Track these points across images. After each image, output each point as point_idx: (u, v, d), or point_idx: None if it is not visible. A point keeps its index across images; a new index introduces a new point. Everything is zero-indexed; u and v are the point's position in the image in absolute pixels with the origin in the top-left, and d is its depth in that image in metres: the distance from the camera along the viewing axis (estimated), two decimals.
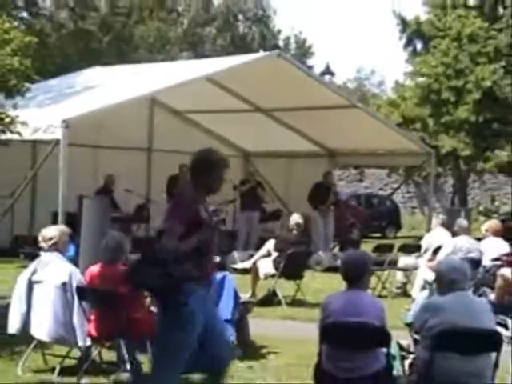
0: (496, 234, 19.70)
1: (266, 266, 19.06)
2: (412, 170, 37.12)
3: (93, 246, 15.59)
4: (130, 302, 11.62)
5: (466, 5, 51.16)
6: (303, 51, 76.77)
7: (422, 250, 19.91)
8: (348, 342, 9.11)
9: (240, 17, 74.87)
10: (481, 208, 46.72)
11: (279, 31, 76.67)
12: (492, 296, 14.94)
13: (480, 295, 12.87)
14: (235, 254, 21.12)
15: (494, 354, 9.52)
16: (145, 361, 11.75)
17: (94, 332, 11.78)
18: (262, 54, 30.52)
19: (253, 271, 19.17)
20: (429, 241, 20.20)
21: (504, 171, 50.52)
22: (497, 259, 17.96)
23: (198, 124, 29.42)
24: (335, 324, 9.15)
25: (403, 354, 10.71)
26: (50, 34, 54.00)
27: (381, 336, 9.20)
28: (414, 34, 53.15)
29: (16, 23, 16.33)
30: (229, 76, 26.35)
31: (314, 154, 29.66)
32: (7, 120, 15.12)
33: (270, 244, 19.33)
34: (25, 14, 50.44)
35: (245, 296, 15.09)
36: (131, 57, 49.87)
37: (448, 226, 20.60)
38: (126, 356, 11.76)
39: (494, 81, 46.68)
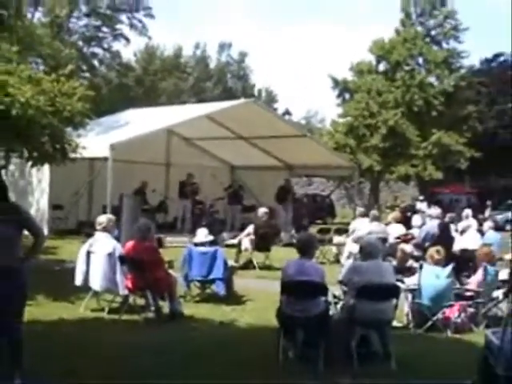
0: (397, 221, 19.87)
1: (246, 243, 19.14)
2: (343, 179, 37.19)
3: (129, 228, 15.63)
4: (153, 266, 11.75)
5: (376, 71, 51.79)
6: (271, 98, 76.76)
7: (349, 232, 20.04)
8: (299, 292, 9.22)
9: (228, 75, 74.93)
10: (387, 204, 46.71)
11: (254, 85, 76.73)
12: (394, 262, 15.00)
13: (387, 261, 12.93)
14: (224, 234, 21.16)
15: (394, 300, 9.68)
16: (164, 305, 11.86)
17: (130, 285, 11.91)
18: (243, 100, 30.65)
19: (237, 246, 19.24)
20: (353, 226, 20.35)
21: (402, 180, 50.91)
22: (398, 238, 18.10)
23: (200, 147, 29.45)
24: (291, 281, 9.27)
25: (336, 300, 10.79)
26: (103, 86, 53.98)
27: (321, 289, 9.32)
28: (343, 88, 53.47)
29: (80, 81, 16.35)
30: (221, 114, 26.42)
31: (278, 167, 29.70)
32: (74, 145, 15.12)
33: (250, 228, 19.37)
34: (87, 75, 50.31)
35: (231, 262, 15.10)
36: (156, 102, 49.77)
37: (366, 215, 20.73)
38: (151, 302, 11.88)
39: (396, 121, 47.23)
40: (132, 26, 55.57)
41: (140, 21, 55.59)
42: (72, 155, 15.62)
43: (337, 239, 20.86)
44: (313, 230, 24.64)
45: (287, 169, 30.17)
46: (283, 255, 15.36)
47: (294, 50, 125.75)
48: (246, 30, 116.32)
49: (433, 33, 53.78)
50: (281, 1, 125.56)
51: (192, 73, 71.92)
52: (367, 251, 9.84)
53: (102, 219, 12.81)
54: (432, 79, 52.01)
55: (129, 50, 71.06)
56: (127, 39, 56.37)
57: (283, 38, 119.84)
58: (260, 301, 13.27)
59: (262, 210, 20.29)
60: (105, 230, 12.51)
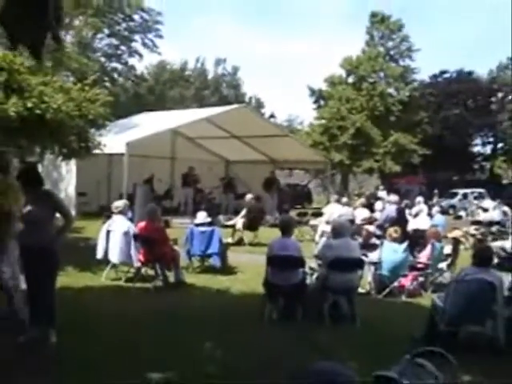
0: (363, 206, 19.89)
1: (239, 224, 19.13)
2: (318, 171, 37.20)
3: (141, 211, 15.64)
4: (161, 243, 11.75)
5: (346, 82, 51.87)
6: (259, 104, 76.62)
7: (323, 215, 19.99)
8: (282, 265, 9.22)
9: (224, 85, 74.84)
10: (355, 192, 46.71)
11: (245, 93, 76.67)
12: (360, 240, 15.00)
13: (354, 239, 12.95)
14: (220, 217, 21.08)
15: (359, 271, 9.70)
16: (170, 275, 11.87)
17: (142, 258, 11.90)
18: (236, 105, 30.47)
19: (233, 227, 19.22)
20: (327, 210, 20.31)
21: (367, 172, 51.00)
22: (363, 220, 18.10)
23: (200, 144, 29.34)
24: (275, 256, 9.26)
25: (312, 271, 10.79)
26: (120, 94, 54.04)
27: (299, 262, 9.33)
28: (319, 96, 53.46)
29: (102, 90, 16.27)
30: (218, 117, 26.37)
31: (265, 162, 29.64)
32: (96, 143, 15.08)
33: (243, 212, 19.37)
34: (108, 84, 50.29)
35: (226, 240, 15.11)
36: (164, 107, 49.68)
37: (337, 201, 20.71)
38: (160, 272, 11.87)
39: (362, 123, 47.37)
40: (145, 44, 55.71)
41: (151, 40, 55.73)
42: (94, 151, 15.55)
43: (313, 221, 20.82)
44: (293, 213, 24.59)
45: (272, 163, 30.11)
46: (269, 234, 15.35)
47: (279, 65, 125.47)
48: (239, 48, 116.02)
49: (391, 52, 53.93)
50: (268, 23, 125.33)
51: (194, 83, 71.93)
52: (338, 231, 9.85)
53: (119, 204, 12.81)
54: (391, 90, 52.24)
55: (142, 64, 70.89)
56: (141, 55, 56.51)
57: (270, 55, 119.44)
58: (249, 272, 13.23)
59: (248, 197, 20.32)
60: (121, 212, 12.50)
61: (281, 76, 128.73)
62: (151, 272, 12.23)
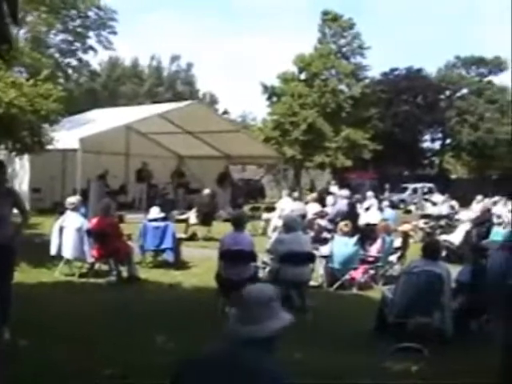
0: (314, 201, 19.98)
1: (192, 219, 19.08)
2: (271, 166, 37.21)
3: (95, 207, 15.52)
4: (114, 238, 11.70)
5: (298, 79, 52.06)
6: (213, 101, 76.37)
7: (276, 210, 20.02)
8: (234, 259, 9.23)
9: (178, 81, 74.44)
10: (307, 187, 46.93)
11: (199, 90, 76.41)
12: (312, 234, 15.10)
13: (306, 234, 13.03)
14: (174, 212, 20.95)
15: (311, 264, 9.76)
16: (123, 270, 11.83)
17: (95, 254, 11.85)
18: (190, 101, 30.43)
19: (186, 221, 19.17)
20: (279, 204, 20.36)
21: (319, 167, 51.25)
22: (315, 214, 18.19)
23: (154, 140, 29.08)
24: (227, 250, 9.28)
25: (264, 265, 10.82)
26: (74, 90, 53.55)
27: (251, 256, 9.35)
28: (271, 93, 53.46)
29: (55, 86, 16.08)
30: (171, 113, 26.24)
31: (218, 157, 29.52)
32: (49, 138, 14.93)
33: (196, 207, 19.37)
34: (61, 80, 49.68)
35: (179, 235, 15.06)
36: (117, 103, 49.29)
37: (289, 196, 20.79)
38: (113, 268, 11.81)
39: (313, 119, 47.63)
40: (99, 41, 55.20)
41: (106, 37, 55.24)
42: (48, 147, 15.39)
43: (265, 215, 20.84)
44: (246, 208, 24.65)
45: (226, 158, 30.02)
46: (222, 229, 15.34)
47: (233, 62, 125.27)
48: (193, 44, 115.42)
49: (343, 50, 54.14)
50: (224, 20, 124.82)
51: (148, 79, 71.50)
52: (289, 225, 9.90)
53: (72, 200, 12.71)
54: (342, 87, 52.39)
55: (96, 60, 70.19)
56: (95, 51, 55.95)
57: (224, 51, 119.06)
58: (202, 266, 13.24)
59: (205, 192, 20.33)
60: (74, 208, 12.40)
61: (235, 72, 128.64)
62: (105, 267, 12.16)
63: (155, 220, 13.90)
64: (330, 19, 53.85)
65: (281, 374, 3.02)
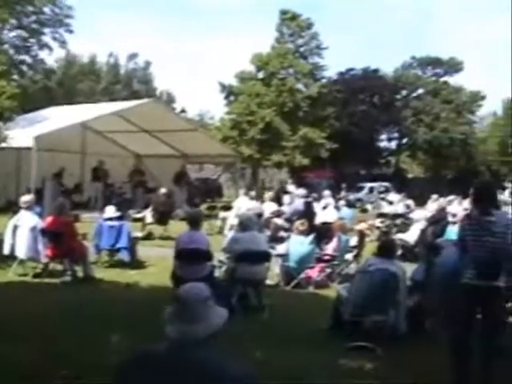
0: (271, 200, 20.05)
1: (148, 218, 19.00)
2: (228, 165, 37.20)
3: (50, 206, 15.36)
4: (69, 237, 11.61)
5: (256, 78, 52.22)
6: (170, 99, 76.00)
7: (233, 209, 20.01)
8: (189, 258, 9.22)
9: (135, 80, 73.96)
10: (264, 186, 47.06)
11: (157, 88, 75.96)
12: (268, 233, 15.14)
13: (262, 232, 13.07)
14: (130, 211, 20.80)
15: (267, 263, 9.79)
16: (78, 270, 11.75)
17: (50, 254, 11.71)
18: (146, 100, 30.26)
19: (142, 221, 19.09)
20: (236, 204, 20.35)
21: (276, 166, 51.41)
22: (272, 214, 18.25)
23: (110, 138, 28.84)
24: (183, 249, 9.27)
25: (220, 264, 10.81)
26: (29, 87, 52.90)
27: (207, 255, 9.35)
28: (229, 92, 53.52)
29: (9, 82, 15.88)
30: (128, 112, 26.07)
31: (175, 156, 29.41)
32: (3, 136, 14.74)
33: (152, 206, 19.30)
34: (15, 77, 49.01)
35: (135, 234, 14.98)
36: (74, 101, 48.78)
37: (246, 195, 20.81)
38: (68, 267, 11.72)
39: (271, 118, 47.82)
40: (55, 38, 54.53)
41: (61, 34, 54.63)
42: (1, 145, 15.20)
43: (222, 214, 20.85)
44: (203, 207, 24.61)
45: (183, 157, 29.91)
46: (179, 228, 15.28)
47: (191, 60, 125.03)
48: (151, 43, 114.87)
49: (301, 49, 54.39)
50: (182, 18, 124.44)
51: (105, 77, 70.92)
52: (245, 224, 9.92)
53: (26, 198, 12.54)
54: (300, 86, 52.66)
55: (52, 58, 69.33)
56: (51, 49, 55.26)
57: (182, 50, 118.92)
58: (159, 266, 13.15)
59: (161, 191, 20.29)
60: (28, 207, 12.24)
61: (192, 71, 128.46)
62: (59, 267, 12.04)
63: (110, 219, 13.80)
64: (288, 18, 54.07)
65: (240, 374, 3.04)
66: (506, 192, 28.75)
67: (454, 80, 63.59)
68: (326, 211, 18.94)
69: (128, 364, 3.21)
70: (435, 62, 63.63)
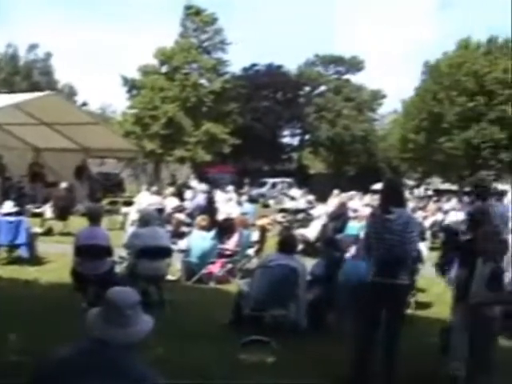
0: (173, 195, 20.05)
1: (48, 213, 18.68)
2: (131, 160, 36.85)
3: None
4: None
5: (159, 72, 52.27)
6: (72, 92, 74.55)
7: (134, 204, 19.85)
8: (90, 254, 9.14)
9: (35, 71, 72.23)
10: (167, 181, 46.75)
11: (58, 80, 74.41)
12: (170, 228, 15.12)
13: (164, 228, 13.06)
14: (29, 206, 20.37)
15: (168, 259, 9.84)
16: None
17: None
18: (46, 92, 29.61)
19: (41, 216, 18.75)
20: (138, 199, 20.23)
21: (179, 161, 51.19)
22: (173, 209, 18.23)
23: (8, 131, 27.92)
24: (82, 245, 9.19)
25: (121, 260, 10.74)
26: None
27: (107, 251, 9.29)
28: (132, 85, 52.97)
29: None
30: (27, 104, 25.43)
31: (76, 150, 28.89)
32: None
33: (52, 200, 18.98)
34: None
35: (35, 229, 14.69)
36: None
37: (148, 190, 20.71)
38: None
39: (174, 113, 47.88)
40: None
41: None
42: None
43: (124, 210, 20.67)
44: (105, 202, 24.32)
45: (84, 151, 29.43)
46: (79, 223, 15.08)
47: (93, 53, 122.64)
48: (52, 34, 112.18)
49: (205, 44, 54.39)
50: (84, 10, 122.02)
51: (3, 68, 68.94)
52: (145, 220, 9.92)
53: None
54: (204, 81, 52.69)
55: None
56: None
57: (84, 42, 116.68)
58: (59, 262, 12.93)
59: (62, 185, 19.99)
60: None
61: (95, 64, 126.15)
62: None
63: (9, 214, 13.51)
64: (193, 13, 53.94)
65: (151, 376, 3.10)
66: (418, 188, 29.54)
67: (355, 78, 65.23)
68: (228, 206, 19.08)
69: (47, 364, 3.19)
70: (338, 61, 64.96)
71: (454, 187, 48.85)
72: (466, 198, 30.02)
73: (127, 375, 3.02)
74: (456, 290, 6.97)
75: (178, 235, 14.27)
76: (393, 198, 6.50)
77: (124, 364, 3.06)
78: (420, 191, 47.81)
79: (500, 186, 50.76)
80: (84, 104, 70.27)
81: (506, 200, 21.41)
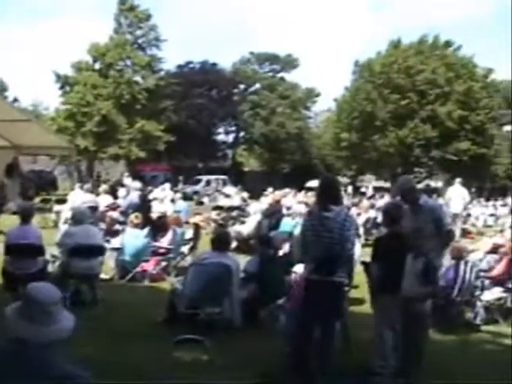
0: (106, 192, 19.86)
1: None
2: (64, 157, 36.31)
3: None
4: None
5: (92, 69, 51.48)
6: (3, 87, 72.96)
7: (68, 202, 19.53)
8: (21, 253, 9.00)
9: None
10: (101, 178, 46.30)
11: None
12: (103, 226, 14.94)
13: (97, 226, 12.93)
14: None
15: (100, 257, 9.76)
16: None
17: None
18: None
19: None
20: (71, 197, 19.92)
21: (113, 159, 50.57)
22: (107, 207, 18.04)
23: None
24: (13, 244, 9.05)
25: (54, 259, 10.56)
26: None
27: (39, 250, 9.14)
28: (64, 82, 51.91)
29: None
30: None
31: (7, 147, 28.02)
32: None
33: None
34: None
35: None
36: None
37: (81, 188, 20.44)
38: None
39: (108, 110, 47.57)
40: None
41: None
42: None
43: (56, 208, 20.39)
44: (37, 200, 23.92)
45: (15, 148, 28.79)
46: (11, 222, 14.77)
47: (24, 48, 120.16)
48: None
49: (139, 41, 53.87)
50: (12, 3, 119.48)
51: None
52: (77, 218, 9.81)
53: None
54: (138, 78, 52.25)
55: None
56: None
57: (14, 37, 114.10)
58: None
59: None
60: None
61: (26, 59, 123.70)
62: None
63: None
64: (127, 9, 53.38)
65: (75, 374, 3.04)
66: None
67: (290, 76, 65.66)
68: (162, 204, 19.00)
69: None
70: (272, 58, 65.29)
71: (387, 185, 49.60)
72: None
73: (48, 374, 2.96)
74: (373, 287, 7.04)
75: (112, 233, 14.12)
76: (330, 195, 6.53)
77: (45, 363, 3.00)
78: (349, 189, 48.17)
79: (433, 184, 52.09)
80: (15, 100, 68.85)
81: (447, 197, 21.96)
